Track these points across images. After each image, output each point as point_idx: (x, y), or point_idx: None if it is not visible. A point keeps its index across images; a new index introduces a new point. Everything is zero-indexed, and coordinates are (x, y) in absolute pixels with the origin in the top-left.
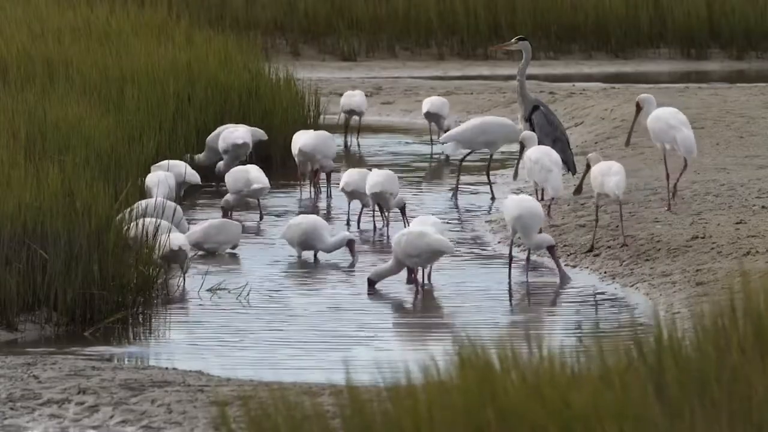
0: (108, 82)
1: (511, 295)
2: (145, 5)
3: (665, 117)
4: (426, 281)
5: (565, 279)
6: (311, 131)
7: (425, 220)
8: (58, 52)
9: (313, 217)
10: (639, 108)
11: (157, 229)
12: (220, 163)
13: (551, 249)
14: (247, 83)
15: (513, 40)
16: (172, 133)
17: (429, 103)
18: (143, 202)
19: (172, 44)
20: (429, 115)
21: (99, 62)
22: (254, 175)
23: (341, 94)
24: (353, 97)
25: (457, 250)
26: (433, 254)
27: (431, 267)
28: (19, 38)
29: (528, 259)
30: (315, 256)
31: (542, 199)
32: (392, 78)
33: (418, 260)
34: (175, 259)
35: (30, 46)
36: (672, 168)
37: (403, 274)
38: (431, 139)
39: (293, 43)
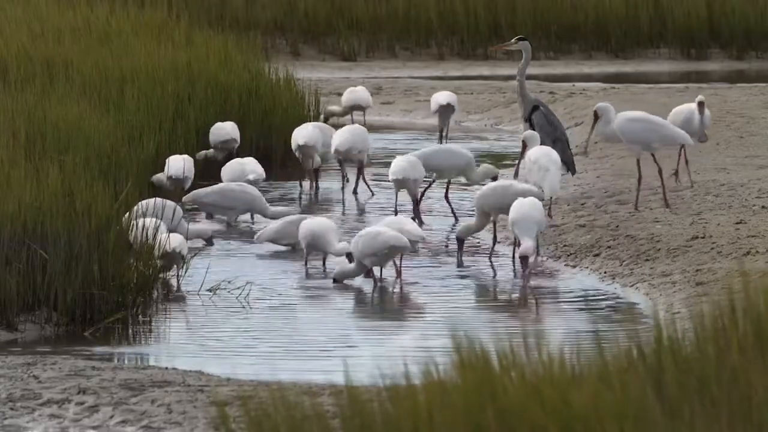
0: (108, 82)
1: (510, 296)
2: (145, 5)
3: (646, 117)
4: (396, 278)
5: (525, 286)
6: (347, 127)
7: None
8: (58, 52)
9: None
10: (596, 117)
11: (157, 229)
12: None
13: (523, 259)
14: (247, 83)
15: (513, 40)
16: (172, 133)
17: (441, 99)
18: (144, 202)
19: (172, 44)
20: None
21: (99, 62)
22: (250, 167)
23: (341, 94)
24: (356, 92)
25: (454, 250)
26: (389, 251)
27: (400, 263)
28: (19, 38)
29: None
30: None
31: (542, 199)
32: (392, 78)
33: (376, 259)
34: (173, 260)
35: (30, 46)
36: (644, 170)
37: (408, 273)
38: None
39: (293, 43)
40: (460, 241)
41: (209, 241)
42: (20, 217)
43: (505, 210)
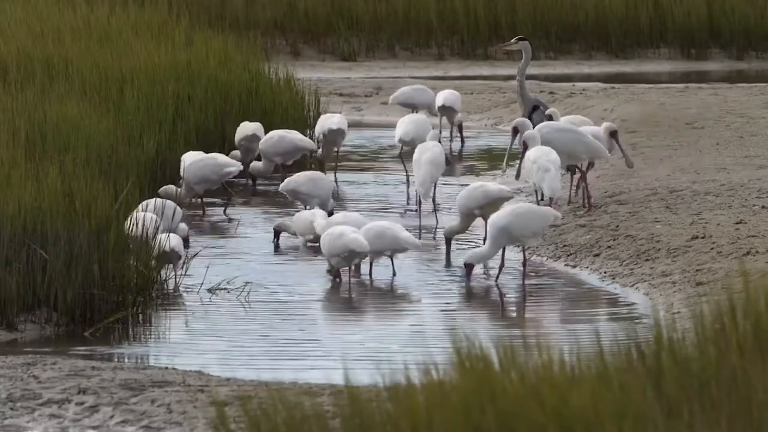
0: (108, 82)
1: (510, 296)
2: (145, 5)
3: (573, 128)
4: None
5: (468, 289)
6: (409, 117)
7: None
8: (58, 52)
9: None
10: (516, 132)
11: (157, 228)
12: (255, 163)
13: (466, 266)
14: (247, 83)
15: (513, 40)
16: (172, 133)
17: (442, 97)
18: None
19: (172, 44)
20: (443, 109)
21: (99, 62)
22: (224, 160)
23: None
24: (447, 95)
25: (455, 250)
26: (351, 254)
27: (393, 264)
28: (19, 38)
29: (524, 260)
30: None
31: (542, 199)
32: (392, 78)
33: (339, 260)
34: (169, 259)
35: (30, 46)
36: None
37: (407, 272)
38: (440, 132)
39: (293, 43)
40: (448, 241)
41: (185, 241)
42: (20, 217)
43: (482, 210)
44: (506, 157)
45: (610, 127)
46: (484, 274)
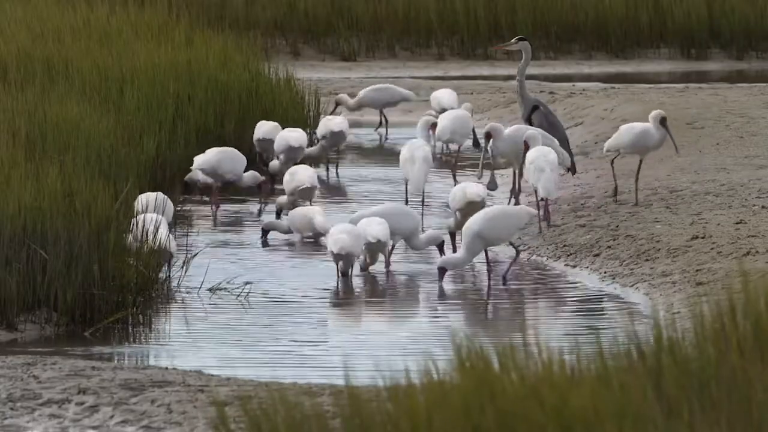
0: (108, 82)
1: (509, 295)
2: (145, 5)
3: (545, 133)
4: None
5: (467, 289)
6: (452, 113)
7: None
8: (58, 52)
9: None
10: (489, 137)
11: (157, 228)
12: (274, 162)
13: (439, 269)
14: (247, 83)
15: (513, 40)
16: (172, 133)
17: (444, 97)
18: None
19: (172, 44)
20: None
21: (99, 62)
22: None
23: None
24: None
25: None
26: (344, 257)
27: (388, 259)
28: (19, 38)
29: (514, 259)
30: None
31: (541, 199)
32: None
33: (345, 259)
34: (161, 257)
35: (30, 46)
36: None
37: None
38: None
39: (293, 43)
40: (452, 235)
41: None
42: (20, 217)
43: (462, 211)
44: (480, 162)
45: (659, 115)
46: (482, 274)
